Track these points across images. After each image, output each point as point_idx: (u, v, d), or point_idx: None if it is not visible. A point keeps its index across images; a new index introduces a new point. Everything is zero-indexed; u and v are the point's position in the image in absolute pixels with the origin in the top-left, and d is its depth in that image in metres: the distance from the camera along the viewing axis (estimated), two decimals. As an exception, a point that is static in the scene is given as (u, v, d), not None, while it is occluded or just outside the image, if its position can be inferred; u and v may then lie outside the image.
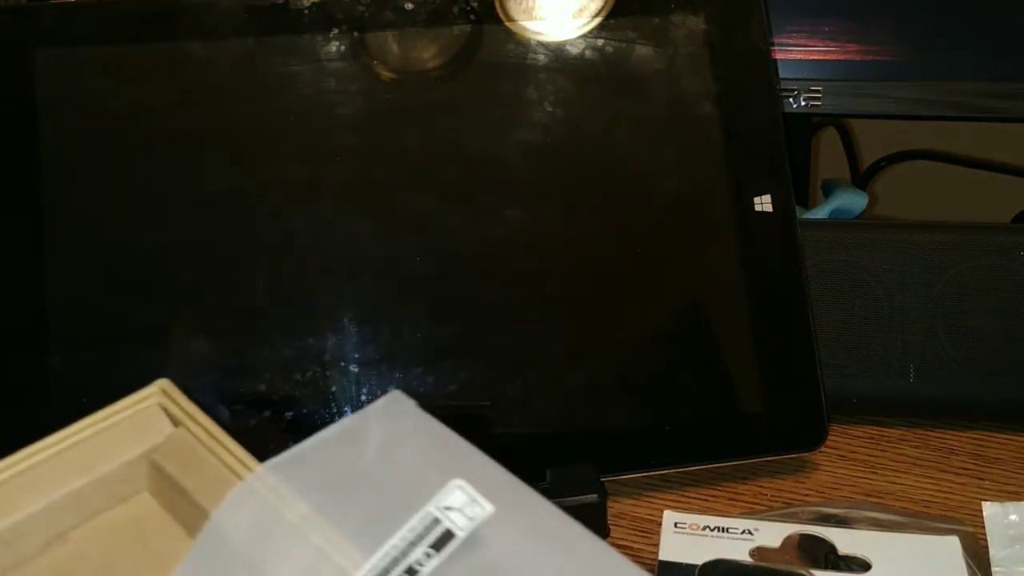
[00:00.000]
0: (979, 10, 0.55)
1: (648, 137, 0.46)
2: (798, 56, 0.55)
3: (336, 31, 0.45)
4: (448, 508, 0.25)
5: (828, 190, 0.61)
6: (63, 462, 0.28)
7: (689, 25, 0.46)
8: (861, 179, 0.70)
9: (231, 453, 0.28)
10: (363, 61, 0.45)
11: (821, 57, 0.55)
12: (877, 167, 0.69)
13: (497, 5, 0.46)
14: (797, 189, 0.55)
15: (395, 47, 0.46)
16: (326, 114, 0.45)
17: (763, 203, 0.45)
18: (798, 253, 0.45)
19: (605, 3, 0.46)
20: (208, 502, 0.27)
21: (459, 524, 0.25)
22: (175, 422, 0.30)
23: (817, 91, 0.55)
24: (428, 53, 0.46)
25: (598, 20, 0.46)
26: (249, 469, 0.28)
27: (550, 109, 0.45)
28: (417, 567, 0.24)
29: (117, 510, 0.29)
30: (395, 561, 0.24)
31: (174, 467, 0.28)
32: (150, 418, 0.30)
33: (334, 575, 0.25)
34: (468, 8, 0.46)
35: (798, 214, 0.46)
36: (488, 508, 0.25)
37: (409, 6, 0.46)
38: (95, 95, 0.44)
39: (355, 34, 0.45)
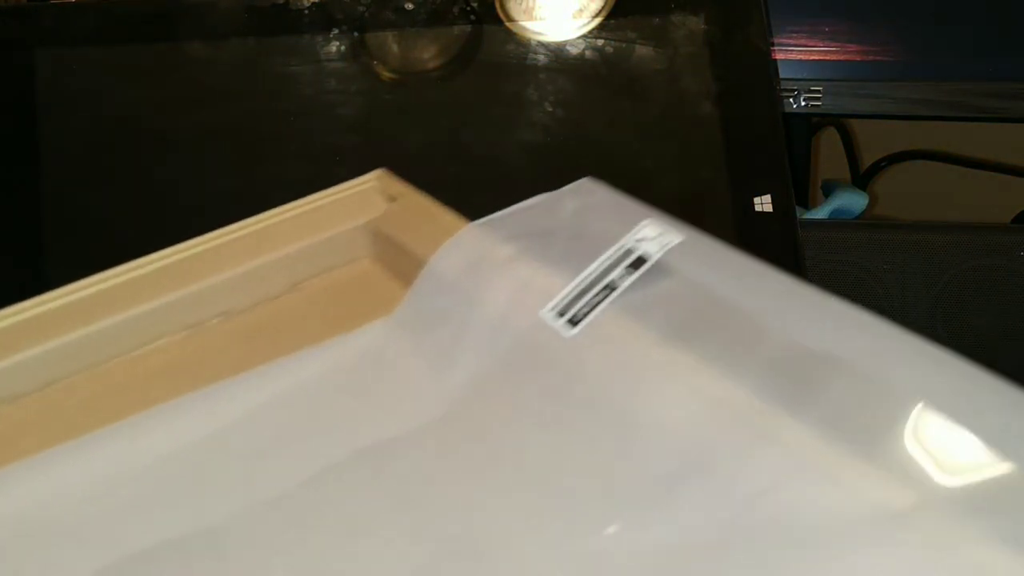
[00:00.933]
0: (979, 10, 0.55)
1: (648, 137, 0.46)
2: (798, 56, 0.55)
3: (336, 31, 0.45)
4: (640, 240, 0.29)
5: (828, 190, 0.61)
6: (296, 224, 0.32)
7: (689, 25, 0.46)
8: (861, 179, 0.70)
9: (443, 219, 0.32)
10: (363, 61, 0.45)
11: (821, 57, 0.55)
12: (877, 167, 0.69)
13: (497, 5, 0.46)
14: (797, 189, 0.55)
15: (395, 47, 0.46)
16: (327, 114, 0.45)
17: (763, 203, 0.45)
18: (798, 253, 0.45)
19: (605, 3, 0.46)
20: (425, 254, 0.31)
21: (651, 251, 0.28)
22: (391, 200, 0.34)
23: (817, 91, 0.55)
24: (428, 53, 0.46)
25: (598, 20, 0.46)
26: (460, 228, 0.32)
27: (550, 109, 0.45)
28: (615, 284, 0.27)
29: (342, 269, 0.33)
30: (595, 281, 0.28)
31: (394, 230, 0.33)
32: (370, 196, 0.35)
33: (540, 295, 0.28)
34: (468, 8, 0.46)
35: (798, 214, 0.47)
36: (677, 237, 0.28)
37: (409, 6, 0.46)
38: (95, 95, 0.45)
39: (355, 34, 0.45)
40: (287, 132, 0.45)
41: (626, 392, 0.25)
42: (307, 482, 0.25)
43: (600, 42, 0.46)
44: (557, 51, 0.46)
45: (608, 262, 0.28)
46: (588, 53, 0.46)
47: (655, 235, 0.28)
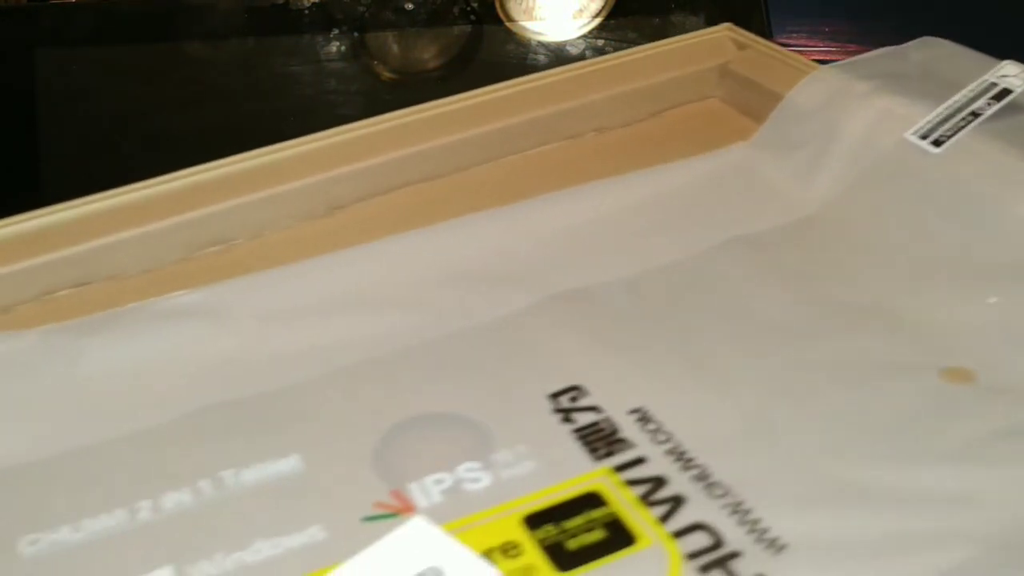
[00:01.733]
0: (979, 11, 0.55)
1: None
2: (798, 57, 0.55)
3: (336, 31, 0.45)
4: (1003, 76, 0.31)
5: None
6: (654, 61, 0.35)
7: (689, 26, 0.46)
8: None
9: (795, 61, 0.34)
10: (363, 61, 0.45)
11: (821, 57, 0.55)
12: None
13: (497, 5, 0.46)
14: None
15: (395, 47, 0.46)
16: (327, 115, 0.45)
17: (763, 203, 0.45)
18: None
19: (605, 4, 0.46)
20: (781, 90, 0.33)
21: (1016, 85, 0.30)
22: (741, 48, 0.36)
23: (817, 92, 0.55)
24: (428, 53, 0.46)
25: (598, 20, 0.46)
26: (813, 69, 0.33)
27: (550, 109, 0.46)
28: (979, 111, 0.29)
29: (695, 105, 0.36)
30: (958, 110, 0.30)
31: (747, 70, 0.35)
32: (720, 42, 0.37)
33: (902, 121, 0.30)
34: (468, 8, 0.46)
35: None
36: None
37: (409, 6, 0.46)
38: (95, 95, 0.45)
39: (355, 34, 0.45)
40: (287, 132, 0.45)
41: (995, 197, 0.27)
42: (685, 260, 0.28)
43: (600, 42, 0.46)
44: (557, 51, 0.46)
45: (971, 94, 0.30)
46: (588, 53, 0.46)
47: (1018, 72, 0.31)
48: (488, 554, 0.20)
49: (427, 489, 0.21)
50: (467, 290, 0.27)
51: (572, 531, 0.20)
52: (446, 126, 0.32)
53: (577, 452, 0.22)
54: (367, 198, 0.31)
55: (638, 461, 0.22)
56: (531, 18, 0.46)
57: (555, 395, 0.24)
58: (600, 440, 0.22)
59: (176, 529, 0.21)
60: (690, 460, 0.22)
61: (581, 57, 0.46)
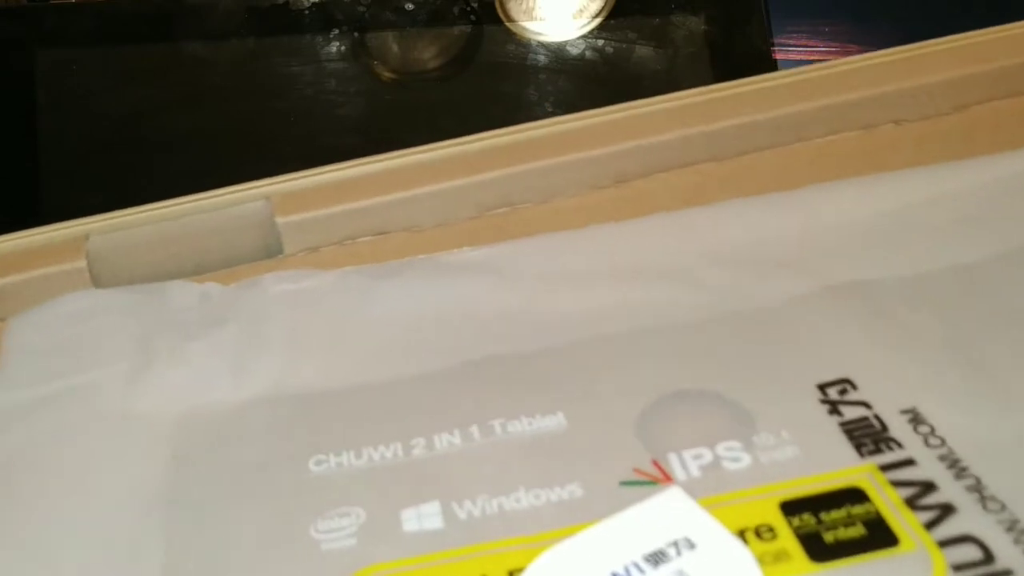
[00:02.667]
0: (979, 11, 0.54)
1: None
2: (798, 56, 0.55)
3: (336, 31, 0.45)
4: None
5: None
6: (947, 56, 0.35)
7: (689, 26, 0.46)
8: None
9: None
10: (363, 61, 0.45)
11: (821, 57, 0.55)
12: (877, 167, 0.69)
13: (497, 6, 0.46)
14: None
15: (395, 47, 0.46)
16: (326, 115, 0.45)
17: (763, 204, 0.45)
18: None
19: (605, 4, 0.46)
20: None
21: None
22: None
23: (817, 91, 0.55)
24: (428, 53, 0.46)
25: (598, 21, 0.46)
26: None
27: (551, 110, 0.45)
28: None
29: (998, 103, 0.34)
30: None
31: None
32: None
33: None
34: (468, 9, 0.46)
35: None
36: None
37: (409, 6, 0.46)
38: (95, 95, 0.45)
39: (355, 34, 0.45)
40: (287, 132, 0.45)
41: None
42: (975, 262, 0.27)
43: (600, 42, 0.46)
44: (557, 51, 0.46)
45: None
46: (588, 53, 0.46)
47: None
48: (741, 534, 0.20)
49: (686, 462, 0.22)
50: (742, 272, 0.27)
51: (830, 523, 0.20)
52: (736, 108, 0.32)
53: (842, 445, 0.22)
54: (652, 173, 0.32)
55: (907, 462, 0.21)
56: (531, 18, 0.46)
57: (823, 386, 0.24)
58: (867, 436, 0.22)
59: (445, 468, 0.22)
60: (964, 469, 0.21)
61: (581, 57, 0.46)
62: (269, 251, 0.30)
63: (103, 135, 0.44)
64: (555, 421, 0.23)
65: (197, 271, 0.29)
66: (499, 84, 0.46)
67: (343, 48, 0.45)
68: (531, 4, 0.46)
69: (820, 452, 0.22)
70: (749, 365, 0.24)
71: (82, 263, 0.28)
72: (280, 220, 0.30)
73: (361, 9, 0.46)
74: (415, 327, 0.27)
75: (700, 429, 0.22)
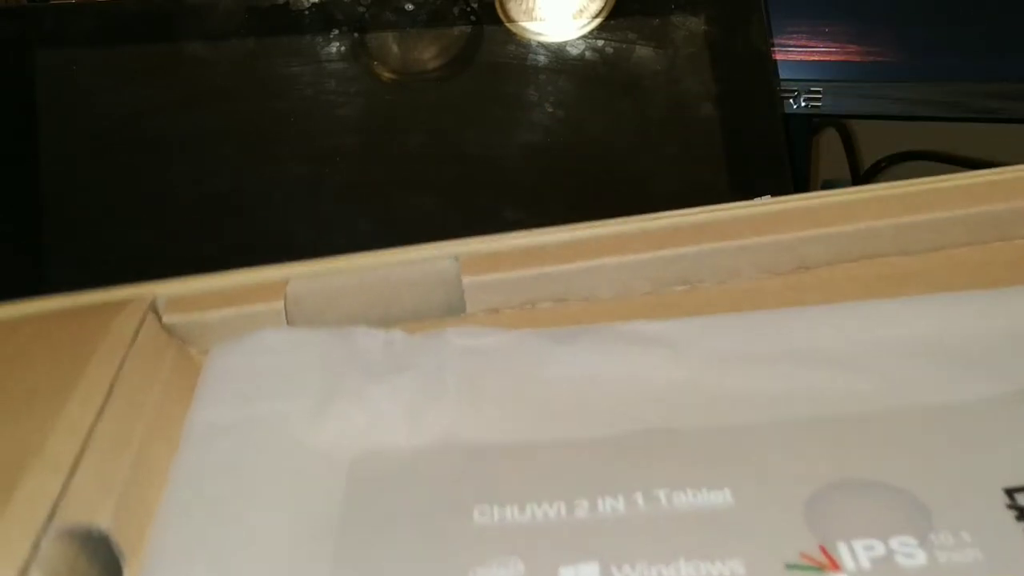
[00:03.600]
0: (979, 10, 0.55)
1: (649, 138, 0.46)
2: (798, 57, 0.55)
3: (336, 32, 0.45)
4: None
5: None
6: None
7: (689, 26, 0.46)
8: (861, 180, 0.69)
9: None
10: (363, 62, 0.45)
11: (821, 58, 0.55)
12: (877, 168, 0.69)
13: (497, 6, 0.46)
14: (797, 190, 0.55)
15: (395, 48, 0.46)
16: (326, 115, 0.45)
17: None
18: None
19: (605, 4, 0.46)
20: None
21: None
22: None
23: (817, 92, 0.55)
24: (428, 54, 0.46)
25: (598, 21, 0.46)
26: None
27: (551, 110, 0.45)
28: None
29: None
30: None
31: None
32: None
33: None
34: (468, 9, 0.46)
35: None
36: None
37: (409, 7, 0.46)
38: (95, 96, 0.45)
39: (355, 35, 0.45)
40: (287, 132, 0.45)
41: None
42: None
43: (600, 43, 0.46)
44: (557, 52, 0.46)
45: None
46: (588, 54, 0.46)
47: None
48: None
49: (856, 552, 0.21)
50: (930, 366, 0.27)
51: None
52: (929, 203, 0.32)
53: None
54: (836, 263, 0.32)
55: None
56: (531, 18, 0.46)
57: (1012, 491, 0.23)
58: None
59: (606, 531, 0.23)
60: None
61: (581, 57, 0.46)
62: (452, 309, 0.31)
63: (102, 135, 0.44)
64: (721, 497, 0.23)
65: (383, 322, 0.31)
66: (499, 84, 0.46)
67: (343, 48, 0.45)
68: (531, 4, 0.46)
69: (1007, 559, 0.21)
70: (931, 461, 0.24)
71: (279, 304, 0.30)
72: (466, 279, 0.31)
73: (361, 9, 0.46)
74: (587, 392, 0.27)
75: (873, 520, 0.22)
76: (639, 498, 0.23)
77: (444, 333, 0.29)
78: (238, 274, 0.31)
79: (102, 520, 0.22)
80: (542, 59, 0.46)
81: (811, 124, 0.65)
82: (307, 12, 0.45)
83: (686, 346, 0.28)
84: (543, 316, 0.31)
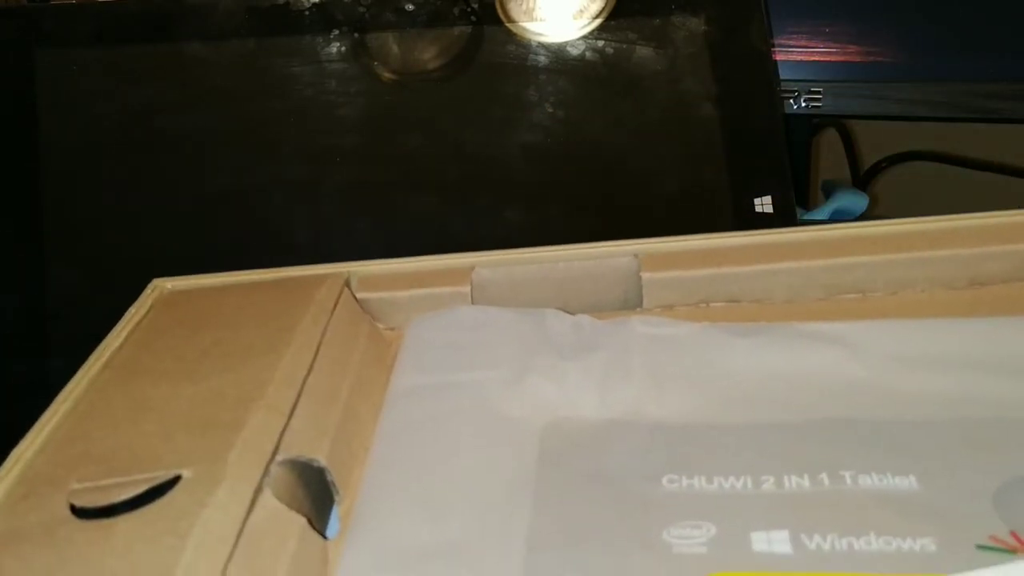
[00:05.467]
0: (979, 10, 0.54)
1: (648, 138, 0.46)
2: (798, 57, 0.55)
3: (336, 32, 0.45)
4: None
5: (828, 191, 0.61)
6: None
7: (689, 26, 0.46)
8: (861, 180, 0.69)
9: None
10: (364, 62, 0.45)
11: (821, 58, 0.55)
12: (877, 168, 0.69)
13: (497, 6, 0.46)
14: (797, 190, 0.55)
15: (395, 48, 0.46)
16: (327, 115, 0.45)
17: (764, 204, 0.45)
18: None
19: (605, 4, 0.46)
20: None
21: None
22: None
23: (817, 92, 0.55)
24: (428, 54, 0.46)
25: (598, 21, 0.46)
26: None
27: (551, 110, 0.45)
28: None
29: None
30: None
31: None
32: None
33: None
34: (468, 9, 0.46)
35: (799, 215, 0.46)
36: None
37: (410, 7, 0.46)
38: (95, 96, 0.45)
39: (355, 35, 0.45)
40: (287, 132, 0.45)
41: None
42: None
43: (600, 43, 0.46)
44: (557, 52, 0.46)
45: None
46: (588, 54, 0.46)
47: None
48: None
49: None
50: None
51: None
52: None
53: None
54: (1012, 280, 0.32)
55: None
56: (531, 19, 0.46)
57: None
58: None
59: (794, 504, 0.24)
60: None
61: (581, 58, 0.46)
62: (628, 303, 0.33)
63: (102, 135, 0.44)
64: (907, 483, 0.24)
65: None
66: (499, 84, 0.46)
67: (343, 48, 0.45)
68: (531, 5, 0.46)
69: None
70: None
71: (466, 289, 0.33)
72: (645, 276, 0.33)
73: (361, 9, 0.46)
74: (767, 383, 0.28)
75: None
76: (824, 477, 0.24)
77: (629, 321, 0.31)
78: (425, 259, 0.34)
79: (319, 457, 0.25)
80: (542, 59, 0.46)
81: (811, 124, 0.65)
82: (307, 12, 0.45)
83: (863, 347, 0.29)
84: (717, 314, 0.32)
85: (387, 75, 0.46)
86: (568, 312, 0.33)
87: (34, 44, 0.44)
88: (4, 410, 0.41)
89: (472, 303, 0.33)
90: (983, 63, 0.54)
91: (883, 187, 0.71)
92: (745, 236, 0.33)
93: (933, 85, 0.55)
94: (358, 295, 0.33)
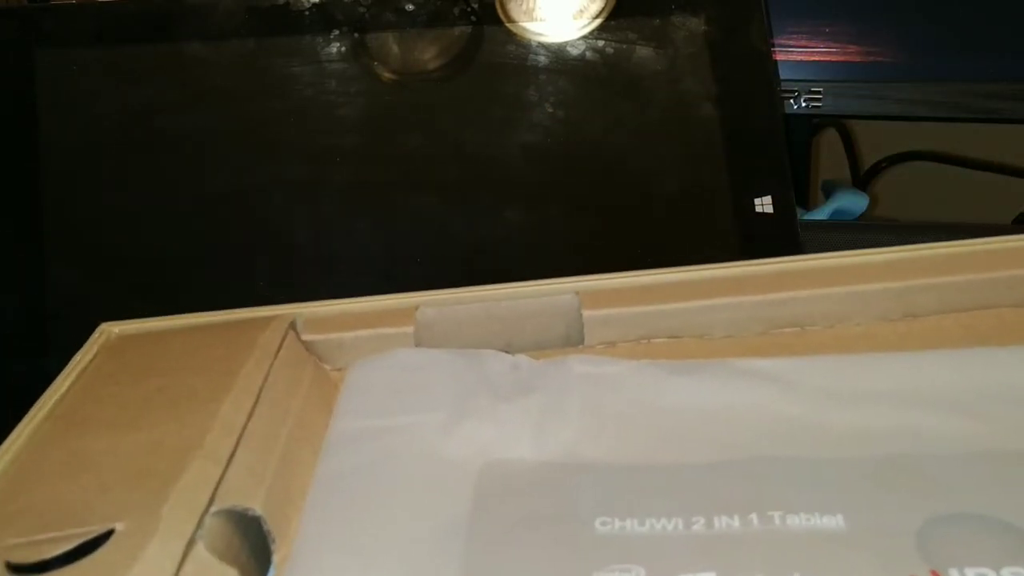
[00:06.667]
0: (979, 11, 0.55)
1: (648, 138, 0.46)
2: (799, 57, 0.55)
3: (336, 32, 0.45)
4: None
5: (828, 191, 0.61)
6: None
7: (689, 26, 0.46)
8: (861, 180, 0.70)
9: None
10: (364, 62, 0.45)
11: (821, 58, 0.55)
12: (877, 168, 0.69)
13: (498, 6, 0.46)
14: (797, 190, 0.55)
15: (395, 48, 0.46)
16: (327, 115, 0.45)
17: (764, 204, 0.45)
18: (799, 254, 0.45)
19: (605, 4, 0.46)
20: None
21: None
22: None
23: (818, 92, 0.55)
24: (429, 54, 0.46)
25: (598, 21, 0.46)
26: None
27: (551, 110, 0.45)
28: None
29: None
30: None
31: None
32: None
33: None
34: (469, 9, 0.46)
35: (798, 215, 0.46)
36: None
37: (410, 7, 0.46)
38: (96, 96, 0.45)
39: (355, 35, 0.45)
40: (287, 132, 0.45)
41: None
42: None
43: (600, 43, 0.46)
44: (557, 52, 0.46)
45: None
46: (588, 54, 0.46)
47: None
48: None
49: None
50: None
51: None
52: None
53: None
54: (945, 312, 0.33)
55: None
56: (531, 19, 0.46)
57: None
58: None
59: (724, 546, 0.24)
60: None
61: (581, 58, 0.46)
62: (570, 340, 0.33)
63: (102, 135, 0.44)
64: (834, 522, 0.24)
65: (505, 350, 0.33)
66: (499, 84, 0.46)
67: (343, 48, 0.45)
68: (531, 5, 0.46)
69: None
70: None
71: (409, 329, 0.33)
72: (586, 313, 0.33)
73: (361, 9, 0.46)
74: (702, 421, 0.29)
75: (983, 550, 0.23)
76: (754, 517, 0.25)
77: (567, 360, 0.31)
78: (370, 300, 0.34)
79: (255, 506, 0.25)
80: (542, 59, 0.46)
81: (811, 124, 0.65)
82: (307, 12, 0.45)
83: (797, 383, 0.30)
84: (658, 351, 0.33)
85: (387, 75, 0.46)
86: (511, 350, 0.33)
87: (34, 44, 0.44)
88: (4, 410, 0.41)
89: (416, 342, 0.33)
90: (983, 63, 0.54)
91: (883, 187, 0.71)
92: (685, 272, 0.34)
93: (933, 85, 0.55)
94: (304, 337, 0.33)
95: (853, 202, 0.58)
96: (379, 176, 0.45)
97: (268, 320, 0.33)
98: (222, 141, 0.45)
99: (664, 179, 0.46)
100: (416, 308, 0.33)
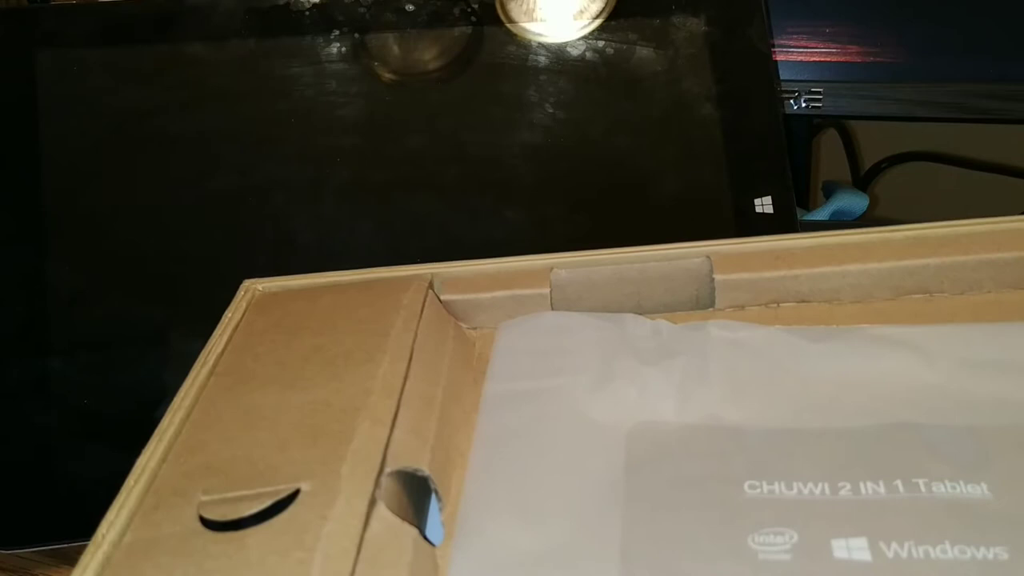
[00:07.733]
0: (979, 11, 0.55)
1: (649, 139, 0.46)
2: (799, 58, 0.55)
3: (337, 33, 0.45)
4: None
5: (829, 192, 0.61)
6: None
7: (690, 27, 0.46)
8: (862, 181, 0.70)
9: None
10: (364, 62, 0.45)
11: (822, 59, 0.55)
12: (878, 169, 0.69)
13: (498, 7, 0.46)
14: (797, 191, 0.55)
15: (396, 48, 0.46)
16: (327, 116, 0.45)
17: (764, 205, 0.45)
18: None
19: (606, 5, 0.46)
20: None
21: None
22: None
23: (818, 93, 0.55)
24: (429, 54, 0.46)
25: (599, 22, 0.46)
26: None
27: (551, 111, 0.45)
28: None
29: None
30: None
31: None
32: None
33: None
34: (469, 10, 0.46)
35: (799, 216, 0.46)
36: None
37: (410, 8, 0.46)
38: (96, 97, 0.45)
39: (356, 36, 0.45)
40: (287, 133, 0.45)
41: None
42: None
43: (601, 43, 0.46)
44: (558, 52, 0.46)
45: None
46: (589, 54, 0.46)
47: None
48: None
49: None
50: None
51: None
52: None
53: None
54: None
55: None
56: (531, 19, 0.46)
57: None
58: None
59: (871, 511, 0.24)
60: None
61: (582, 58, 0.46)
62: (701, 303, 0.34)
63: (102, 135, 0.44)
64: (978, 491, 0.25)
65: (636, 311, 0.34)
66: (499, 85, 0.46)
67: (344, 49, 0.45)
68: (531, 5, 0.46)
69: None
70: None
71: (544, 290, 0.34)
72: (718, 277, 0.33)
73: (362, 10, 0.46)
74: (841, 388, 0.29)
75: None
76: (899, 484, 0.25)
77: (706, 325, 0.32)
78: (504, 261, 0.35)
79: (422, 466, 0.26)
80: (542, 60, 0.46)
81: (811, 125, 0.65)
82: (308, 13, 0.45)
83: (935, 352, 0.30)
84: (787, 315, 0.33)
85: (387, 76, 0.46)
86: (642, 312, 0.33)
87: (34, 44, 0.44)
88: (4, 410, 0.41)
89: (551, 303, 0.34)
90: (983, 64, 0.54)
91: (883, 187, 0.71)
92: (814, 237, 0.34)
93: (933, 86, 0.55)
94: (442, 297, 0.34)
95: (853, 202, 0.58)
96: (379, 176, 0.45)
97: (408, 280, 0.33)
98: (222, 141, 0.45)
99: (664, 179, 0.46)
100: (550, 270, 0.34)
